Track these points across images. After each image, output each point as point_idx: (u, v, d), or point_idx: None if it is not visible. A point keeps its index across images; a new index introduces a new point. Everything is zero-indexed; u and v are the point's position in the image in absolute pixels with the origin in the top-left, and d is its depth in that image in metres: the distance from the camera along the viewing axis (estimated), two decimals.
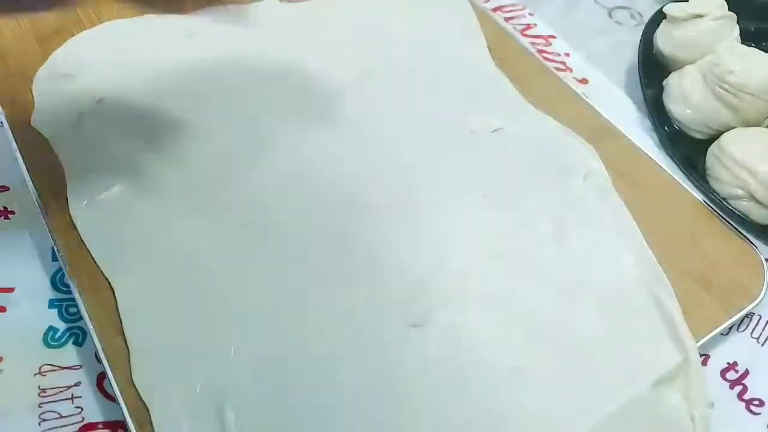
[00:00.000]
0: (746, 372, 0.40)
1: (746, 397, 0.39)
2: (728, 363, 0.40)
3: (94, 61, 0.49)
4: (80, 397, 0.36)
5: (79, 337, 0.38)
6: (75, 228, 0.40)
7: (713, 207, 0.46)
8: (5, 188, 0.44)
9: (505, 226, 0.42)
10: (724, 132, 0.48)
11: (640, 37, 0.57)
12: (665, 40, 0.55)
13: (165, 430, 0.33)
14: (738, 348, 0.41)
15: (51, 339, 0.38)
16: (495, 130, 0.48)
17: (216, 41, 0.53)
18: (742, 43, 0.53)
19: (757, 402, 0.39)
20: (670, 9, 0.54)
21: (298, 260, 0.40)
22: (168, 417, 0.33)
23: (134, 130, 0.45)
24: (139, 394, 0.34)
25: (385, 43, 0.54)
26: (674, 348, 0.37)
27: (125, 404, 0.33)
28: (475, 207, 0.43)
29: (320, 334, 0.37)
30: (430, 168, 0.45)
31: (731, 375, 0.40)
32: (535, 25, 0.61)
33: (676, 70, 0.53)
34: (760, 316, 0.42)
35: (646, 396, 0.35)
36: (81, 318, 0.37)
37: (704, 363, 0.40)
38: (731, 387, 0.39)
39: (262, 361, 0.35)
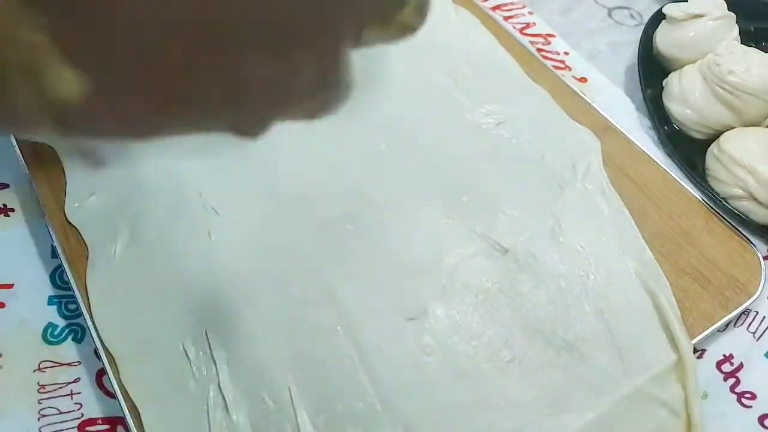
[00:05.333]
0: (741, 365, 0.40)
1: (738, 389, 0.39)
2: (724, 355, 0.41)
3: None
4: (80, 393, 0.36)
5: (78, 333, 0.38)
6: (74, 225, 0.40)
7: (711, 206, 0.46)
8: (5, 186, 0.44)
9: (504, 221, 0.42)
10: (724, 132, 0.48)
11: (640, 37, 0.57)
12: (665, 41, 0.55)
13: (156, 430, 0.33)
14: (734, 341, 0.41)
15: (50, 335, 0.38)
16: (500, 123, 0.48)
17: None
18: (742, 43, 0.52)
19: (749, 395, 0.39)
20: (669, 9, 0.54)
21: (295, 255, 0.40)
22: (158, 418, 0.33)
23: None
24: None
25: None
26: (670, 345, 0.37)
27: (124, 400, 0.34)
28: (474, 201, 0.43)
29: (317, 328, 0.37)
30: (431, 161, 0.45)
31: (726, 367, 0.40)
32: (535, 24, 0.61)
33: (675, 70, 0.53)
34: (757, 312, 0.42)
35: (641, 391, 0.36)
36: (80, 314, 0.37)
37: (700, 356, 0.40)
38: (725, 379, 0.40)
39: (251, 362, 0.35)
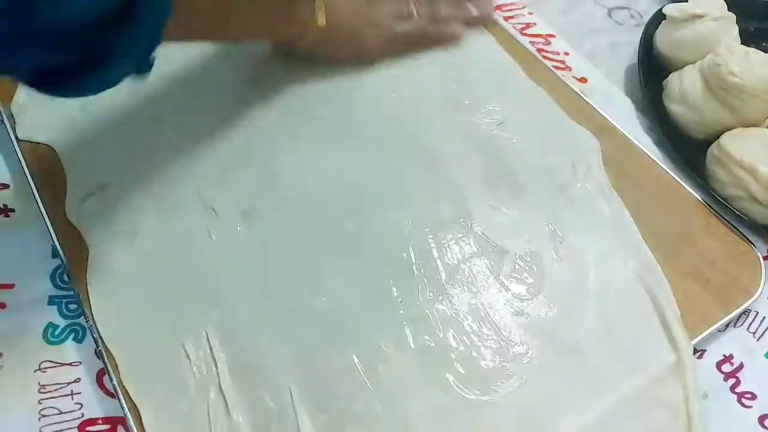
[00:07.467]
0: (741, 365, 0.40)
1: (738, 390, 0.39)
2: (724, 355, 0.41)
3: None
4: (80, 393, 0.36)
5: (78, 333, 0.38)
6: (74, 225, 0.40)
7: (711, 206, 0.46)
8: (5, 186, 0.44)
9: (504, 222, 0.42)
10: (724, 132, 0.48)
11: (640, 37, 0.57)
12: (665, 41, 0.55)
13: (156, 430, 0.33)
14: (734, 342, 0.41)
15: (51, 335, 0.38)
16: (500, 123, 0.48)
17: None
18: (742, 43, 0.52)
19: (749, 395, 0.39)
20: (669, 9, 0.54)
21: (295, 256, 0.40)
22: (158, 418, 0.33)
23: (125, 130, 0.45)
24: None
25: None
26: (669, 345, 0.37)
27: (124, 400, 0.34)
28: (475, 202, 0.43)
29: (317, 328, 0.37)
30: (432, 161, 0.45)
31: (726, 367, 0.40)
32: (535, 24, 0.61)
33: (675, 70, 0.53)
34: (757, 312, 0.42)
35: (641, 391, 0.36)
36: (80, 314, 0.37)
37: (700, 356, 0.40)
38: (725, 379, 0.40)
39: (252, 363, 0.36)
